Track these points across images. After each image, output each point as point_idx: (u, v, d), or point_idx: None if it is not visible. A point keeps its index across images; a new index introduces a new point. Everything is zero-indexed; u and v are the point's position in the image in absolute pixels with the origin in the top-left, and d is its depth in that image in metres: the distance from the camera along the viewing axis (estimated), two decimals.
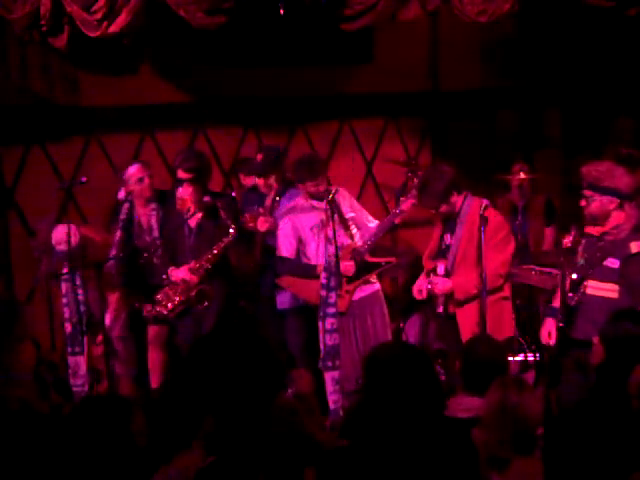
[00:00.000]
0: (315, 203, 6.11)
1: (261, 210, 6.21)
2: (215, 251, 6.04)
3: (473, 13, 5.81)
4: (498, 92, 8.52)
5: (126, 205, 6.39)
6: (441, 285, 5.72)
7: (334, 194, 5.97)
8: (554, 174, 6.88)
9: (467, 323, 5.71)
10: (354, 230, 6.25)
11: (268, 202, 6.35)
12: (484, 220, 5.49)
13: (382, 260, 6.29)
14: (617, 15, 5.49)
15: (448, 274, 5.80)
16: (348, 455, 2.98)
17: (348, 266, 6.09)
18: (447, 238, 5.86)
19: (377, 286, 6.32)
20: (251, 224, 6.11)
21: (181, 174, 6.07)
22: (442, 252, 5.88)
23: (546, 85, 8.44)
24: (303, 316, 6.21)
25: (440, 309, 5.87)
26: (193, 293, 6.08)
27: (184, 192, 6.07)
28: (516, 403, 3.42)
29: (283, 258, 6.17)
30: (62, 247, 5.99)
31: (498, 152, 8.17)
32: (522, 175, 6.95)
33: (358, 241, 6.21)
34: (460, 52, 8.21)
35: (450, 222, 5.81)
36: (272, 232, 6.17)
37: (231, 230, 5.99)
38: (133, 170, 6.35)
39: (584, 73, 8.05)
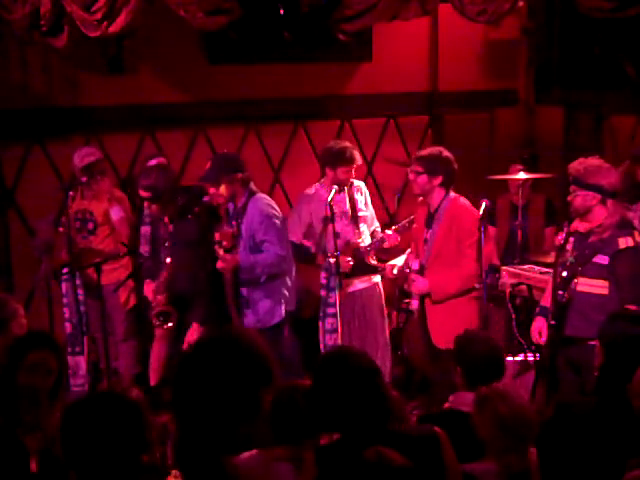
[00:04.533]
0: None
1: (228, 229, 5.87)
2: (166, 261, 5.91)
3: (473, 13, 5.81)
4: (498, 92, 8.53)
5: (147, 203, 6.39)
6: (419, 285, 5.78)
7: (333, 196, 6.01)
8: (554, 174, 6.87)
9: (437, 321, 5.79)
10: (363, 228, 6.29)
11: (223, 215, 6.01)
12: (484, 221, 5.52)
13: (381, 265, 6.34)
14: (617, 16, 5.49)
15: (422, 269, 5.86)
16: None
17: (346, 262, 6.18)
18: (425, 233, 5.92)
19: (377, 279, 6.36)
20: (223, 243, 5.80)
21: (140, 193, 5.93)
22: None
23: (546, 85, 8.45)
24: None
25: (415, 306, 5.96)
26: (154, 313, 5.93)
27: (152, 210, 5.98)
28: (508, 412, 3.44)
29: (291, 242, 6.18)
30: None
31: (498, 152, 8.18)
32: (522, 175, 6.95)
33: (364, 239, 6.26)
34: (460, 52, 8.21)
35: (428, 218, 5.87)
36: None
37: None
38: None
39: (584, 71, 8.06)
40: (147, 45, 6.96)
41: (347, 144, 6.29)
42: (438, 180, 5.75)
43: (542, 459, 3.04)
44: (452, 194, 5.82)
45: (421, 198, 5.95)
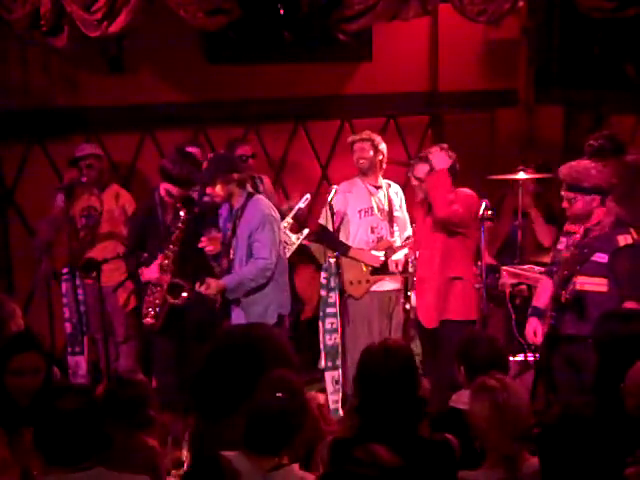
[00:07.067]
0: (372, 189, 6.32)
1: (217, 234, 5.88)
2: (173, 239, 5.77)
3: (473, 13, 5.81)
4: (498, 92, 8.53)
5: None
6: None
7: (334, 196, 6.03)
8: (554, 174, 6.86)
9: (424, 302, 5.86)
10: (396, 228, 6.33)
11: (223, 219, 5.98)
12: (484, 220, 5.53)
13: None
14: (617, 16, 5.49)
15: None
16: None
17: (377, 258, 6.19)
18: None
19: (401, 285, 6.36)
20: (210, 248, 5.79)
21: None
22: None
23: (546, 85, 8.45)
24: None
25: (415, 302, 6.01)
26: (165, 288, 5.79)
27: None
28: (506, 400, 3.42)
29: (322, 226, 6.26)
30: None
31: (498, 152, 8.18)
32: (522, 175, 6.94)
33: (397, 239, 6.29)
34: (460, 52, 8.21)
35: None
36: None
37: (181, 213, 5.74)
38: None
39: (584, 71, 8.06)
40: (147, 45, 6.96)
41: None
42: None
43: (545, 460, 3.04)
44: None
45: (420, 197, 5.95)
